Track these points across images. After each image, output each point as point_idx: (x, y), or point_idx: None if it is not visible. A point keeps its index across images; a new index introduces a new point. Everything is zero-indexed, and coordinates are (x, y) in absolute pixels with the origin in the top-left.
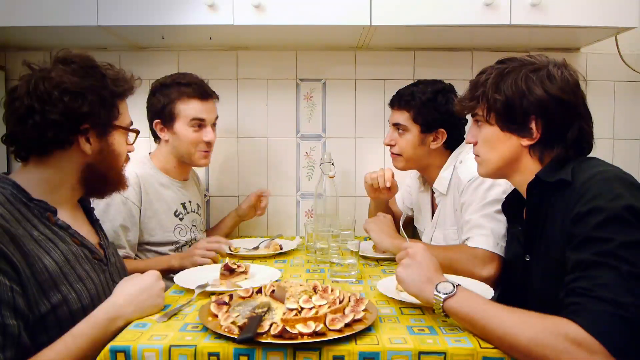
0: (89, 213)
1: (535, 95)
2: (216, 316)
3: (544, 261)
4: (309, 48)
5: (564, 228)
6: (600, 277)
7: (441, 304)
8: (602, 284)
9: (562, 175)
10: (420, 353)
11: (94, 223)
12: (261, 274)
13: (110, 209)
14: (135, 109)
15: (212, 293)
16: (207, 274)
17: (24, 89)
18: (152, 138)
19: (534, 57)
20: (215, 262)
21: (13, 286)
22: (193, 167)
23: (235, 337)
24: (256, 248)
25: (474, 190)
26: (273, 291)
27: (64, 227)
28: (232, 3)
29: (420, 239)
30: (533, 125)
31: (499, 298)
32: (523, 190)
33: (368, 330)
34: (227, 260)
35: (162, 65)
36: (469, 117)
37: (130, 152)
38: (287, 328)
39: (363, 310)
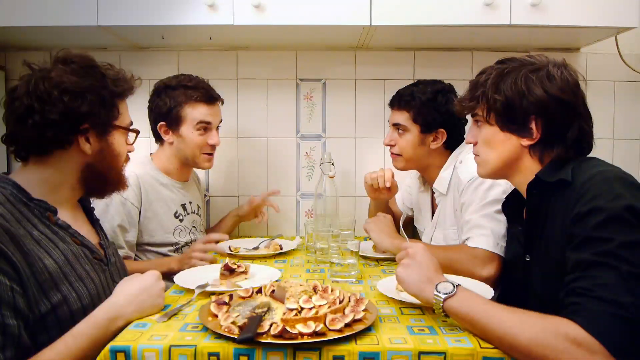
0: (89, 213)
1: (535, 96)
2: (216, 316)
3: (544, 261)
4: (309, 48)
5: (564, 228)
6: (601, 277)
7: (441, 304)
8: (602, 284)
9: (562, 175)
10: (420, 353)
11: (94, 223)
12: (261, 274)
13: (109, 209)
14: (135, 109)
15: (212, 293)
16: (207, 274)
17: (23, 88)
18: (153, 138)
19: (534, 57)
20: (214, 262)
21: (13, 286)
22: (194, 169)
23: (235, 337)
24: (256, 248)
25: (474, 190)
26: (273, 291)
27: (64, 226)
28: (232, 3)
29: (420, 239)
30: (533, 126)
31: (499, 298)
32: (523, 190)
33: (368, 330)
34: (227, 260)
35: (162, 65)
36: (468, 117)
37: (130, 152)
38: (287, 328)
39: (363, 310)
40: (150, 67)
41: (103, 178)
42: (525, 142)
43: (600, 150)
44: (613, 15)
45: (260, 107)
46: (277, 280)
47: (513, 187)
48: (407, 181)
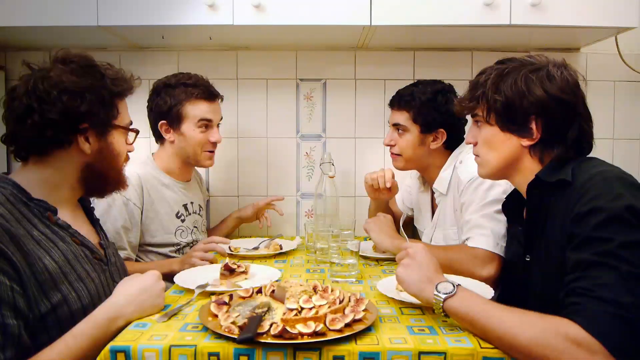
0: (89, 213)
1: (535, 96)
2: (216, 316)
3: (544, 261)
4: (309, 48)
5: (564, 228)
6: (601, 277)
7: (441, 304)
8: (602, 284)
9: (562, 176)
10: (420, 353)
11: (94, 223)
12: (261, 274)
13: (111, 210)
14: (135, 109)
15: (212, 293)
16: (207, 274)
17: (23, 88)
18: (153, 138)
19: (534, 57)
20: (214, 262)
21: (13, 286)
22: (196, 168)
23: (235, 337)
24: (256, 248)
25: (474, 190)
26: (273, 291)
27: (64, 226)
28: (232, 3)
29: (420, 239)
30: (533, 126)
31: (499, 298)
32: (523, 190)
33: (368, 330)
34: (227, 260)
35: (162, 65)
36: (468, 117)
37: (130, 151)
38: (287, 328)
39: (363, 310)
40: (150, 67)
41: (103, 178)
42: (526, 142)
43: (600, 150)
44: (613, 15)
45: (260, 107)
46: (277, 280)
47: (513, 187)
48: (407, 181)
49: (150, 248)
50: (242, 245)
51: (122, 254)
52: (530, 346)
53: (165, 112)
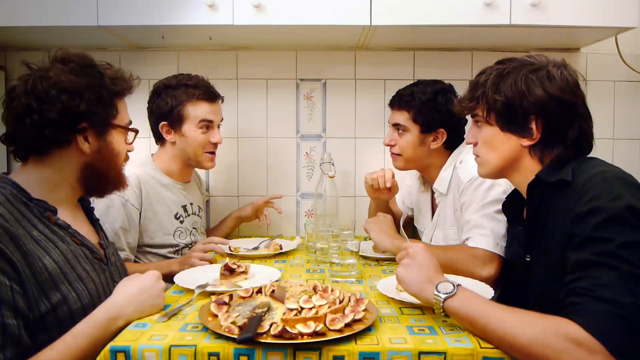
0: (89, 212)
1: (535, 96)
2: (216, 316)
3: (544, 261)
4: (309, 48)
5: (565, 228)
6: (601, 277)
7: (441, 304)
8: (602, 284)
9: (563, 175)
10: (420, 353)
11: (94, 223)
12: (261, 274)
13: (110, 211)
14: (136, 109)
15: (212, 293)
16: (207, 274)
17: (22, 88)
18: (153, 139)
19: (534, 57)
20: (214, 262)
21: (13, 286)
22: (195, 169)
23: (235, 337)
24: (256, 248)
25: (474, 190)
26: (273, 291)
27: (63, 226)
28: (232, 3)
29: (420, 239)
30: (533, 126)
31: (499, 298)
32: (523, 190)
33: (368, 330)
34: (227, 260)
35: (162, 65)
36: (469, 117)
37: (129, 151)
38: (287, 328)
39: (363, 310)
40: (150, 67)
41: (102, 177)
42: (526, 142)
43: (600, 150)
44: (613, 15)
45: (260, 107)
46: (277, 280)
47: (513, 187)
48: (407, 181)
49: (148, 249)
50: (242, 245)
51: (120, 255)
52: (530, 346)
53: (166, 113)
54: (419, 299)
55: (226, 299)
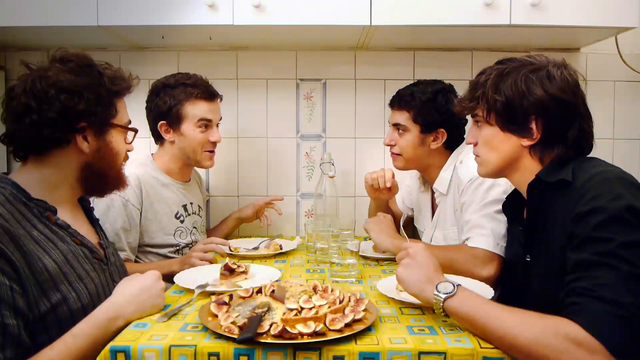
0: (88, 212)
1: (535, 96)
2: (216, 316)
3: (544, 261)
4: (309, 48)
5: (565, 228)
6: (601, 277)
7: (441, 304)
8: (602, 284)
9: (563, 175)
10: (420, 353)
11: (94, 223)
12: (261, 274)
13: (110, 211)
14: (136, 109)
15: (212, 293)
16: (207, 274)
17: (21, 88)
18: (153, 139)
19: (534, 57)
20: (214, 262)
21: (13, 286)
22: (195, 168)
23: (235, 337)
24: (256, 248)
25: (474, 190)
26: (273, 291)
27: (63, 226)
28: (232, 3)
29: (420, 239)
30: (533, 126)
31: (499, 298)
32: (523, 190)
33: (368, 330)
34: (227, 260)
35: (162, 65)
36: (469, 117)
37: (129, 151)
38: (287, 328)
39: (363, 310)
40: (150, 67)
41: (102, 177)
42: (526, 142)
43: (600, 150)
44: (613, 15)
45: (260, 107)
46: (277, 280)
47: (513, 187)
48: (407, 181)
49: (149, 249)
50: (242, 245)
51: (121, 255)
52: (530, 346)
53: (164, 112)
54: (419, 299)
55: (226, 299)
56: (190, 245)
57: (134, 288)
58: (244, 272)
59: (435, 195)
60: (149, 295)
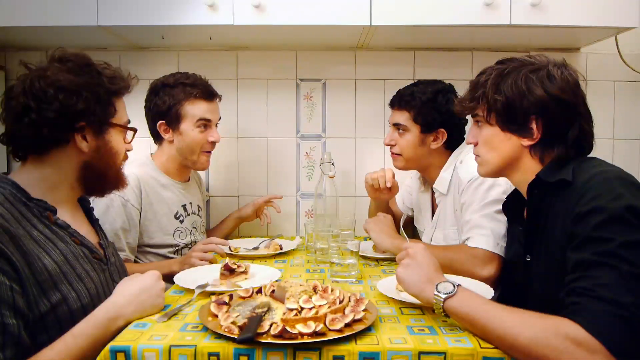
0: (88, 212)
1: (536, 96)
2: (216, 316)
3: (544, 261)
4: (309, 48)
5: (565, 228)
6: (601, 277)
7: (441, 304)
8: (602, 284)
9: (563, 175)
10: (420, 353)
11: (94, 222)
12: (261, 274)
13: (110, 212)
14: (136, 109)
15: (212, 293)
16: (207, 274)
17: (20, 87)
18: (152, 138)
19: (534, 57)
20: (214, 262)
21: (13, 285)
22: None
23: (235, 337)
24: (256, 248)
25: (474, 190)
26: (273, 291)
27: (63, 226)
28: (232, 3)
29: (420, 239)
30: (533, 126)
31: (499, 298)
32: (523, 190)
33: (368, 330)
34: (227, 260)
35: (162, 65)
36: (469, 117)
37: (128, 150)
38: (287, 328)
39: (363, 310)
40: (150, 67)
41: (102, 176)
42: (526, 142)
43: (600, 150)
44: (613, 15)
45: (260, 107)
46: (277, 280)
47: (513, 187)
48: (408, 181)
49: (148, 249)
50: (242, 245)
51: (120, 255)
52: (530, 346)
53: (164, 112)
54: (419, 299)
55: (226, 299)
56: (190, 246)
57: (134, 288)
58: (244, 272)
59: (435, 195)
60: (149, 295)
